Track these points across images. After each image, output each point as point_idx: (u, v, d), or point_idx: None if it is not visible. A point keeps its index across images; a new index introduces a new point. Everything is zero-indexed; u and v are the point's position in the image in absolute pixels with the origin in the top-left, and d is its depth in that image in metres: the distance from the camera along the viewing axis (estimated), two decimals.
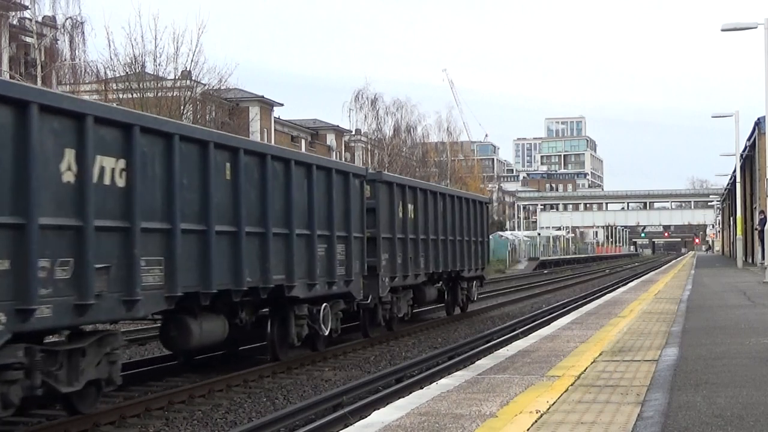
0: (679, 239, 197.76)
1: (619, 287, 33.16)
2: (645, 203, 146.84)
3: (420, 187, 22.25)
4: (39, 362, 9.70)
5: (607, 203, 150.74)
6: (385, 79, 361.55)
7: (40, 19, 45.55)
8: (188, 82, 44.40)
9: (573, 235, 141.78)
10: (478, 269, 27.30)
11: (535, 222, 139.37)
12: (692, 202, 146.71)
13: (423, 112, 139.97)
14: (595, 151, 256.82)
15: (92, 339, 10.67)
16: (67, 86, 43.58)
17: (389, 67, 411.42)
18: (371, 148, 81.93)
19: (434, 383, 9.41)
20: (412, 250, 20.97)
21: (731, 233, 67.94)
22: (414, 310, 23.56)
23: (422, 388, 9.68)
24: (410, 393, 9.89)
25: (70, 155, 9.85)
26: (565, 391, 8.15)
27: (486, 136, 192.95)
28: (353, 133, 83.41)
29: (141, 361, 15.81)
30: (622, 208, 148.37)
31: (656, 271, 50.83)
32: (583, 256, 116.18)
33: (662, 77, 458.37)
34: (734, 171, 55.65)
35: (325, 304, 16.45)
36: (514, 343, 13.73)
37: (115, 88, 43.71)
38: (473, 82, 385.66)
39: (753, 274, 33.83)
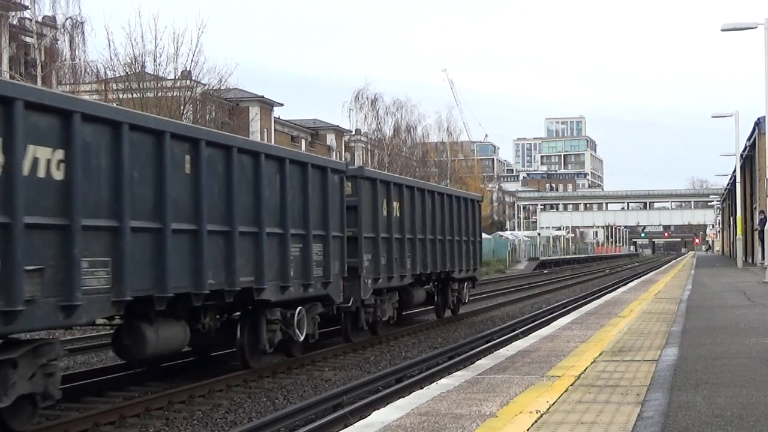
0: (679, 239, 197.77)
1: (619, 287, 33.16)
2: (645, 203, 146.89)
3: (406, 184, 21.32)
4: None
5: (607, 203, 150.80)
6: (385, 79, 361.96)
7: (40, 19, 45.55)
8: (188, 82, 44.39)
9: (573, 235, 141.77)
10: (470, 270, 26.35)
11: (535, 222, 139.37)
12: (692, 202, 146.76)
13: (423, 112, 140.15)
14: (595, 151, 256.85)
15: (25, 349, 9.73)
16: (67, 86, 43.59)
17: (389, 67, 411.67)
18: (371, 148, 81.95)
19: (434, 383, 9.41)
20: (398, 251, 20.01)
21: (731, 233, 67.94)
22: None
23: (422, 388, 9.68)
24: (410, 393, 9.88)
25: None
26: (565, 391, 8.15)
27: (486, 136, 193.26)
28: (353, 133, 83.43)
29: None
30: (622, 208, 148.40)
31: (656, 271, 50.84)
32: (583, 256, 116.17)
33: (662, 77, 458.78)
34: (734, 171, 55.65)
35: (300, 307, 15.51)
36: (514, 343, 13.72)
37: (115, 88, 43.71)
38: (473, 82, 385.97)
39: (753, 274, 33.83)
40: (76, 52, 45.83)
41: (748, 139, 48.85)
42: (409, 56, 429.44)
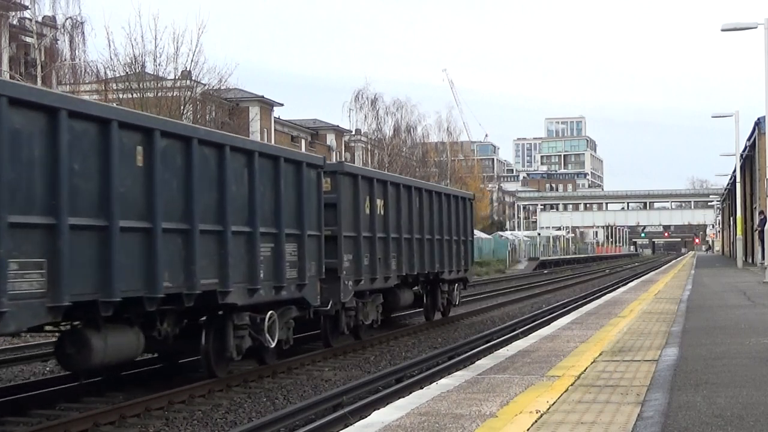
0: (679, 239, 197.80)
1: (619, 287, 33.16)
2: (645, 203, 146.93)
3: (391, 181, 20.30)
4: None
5: (607, 203, 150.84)
6: (385, 79, 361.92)
7: (40, 19, 45.58)
8: (188, 82, 44.41)
9: (573, 235, 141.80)
10: (461, 271, 25.19)
11: (535, 222, 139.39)
12: (692, 202, 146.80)
13: (423, 112, 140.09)
14: (595, 151, 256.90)
15: None
16: (67, 86, 43.61)
17: (389, 67, 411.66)
18: (371, 148, 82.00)
19: (434, 383, 9.41)
20: (382, 250, 19.03)
21: (731, 233, 67.95)
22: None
23: (422, 388, 9.68)
24: (410, 393, 9.88)
25: None
26: (565, 391, 8.15)
27: (486, 136, 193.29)
28: (353, 133, 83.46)
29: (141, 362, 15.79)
30: (622, 208, 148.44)
31: (656, 271, 50.84)
32: (583, 256, 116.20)
33: (662, 77, 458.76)
34: (734, 171, 55.66)
35: (271, 311, 14.47)
36: (514, 343, 13.72)
37: (115, 88, 43.74)
38: (473, 82, 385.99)
39: (753, 274, 33.82)
40: (76, 52, 45.91)
41: (748, 139, 48.86)
42: (409, 56, 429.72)
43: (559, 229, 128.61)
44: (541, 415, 7.06)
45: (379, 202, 19.04)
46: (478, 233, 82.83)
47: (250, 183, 13.71)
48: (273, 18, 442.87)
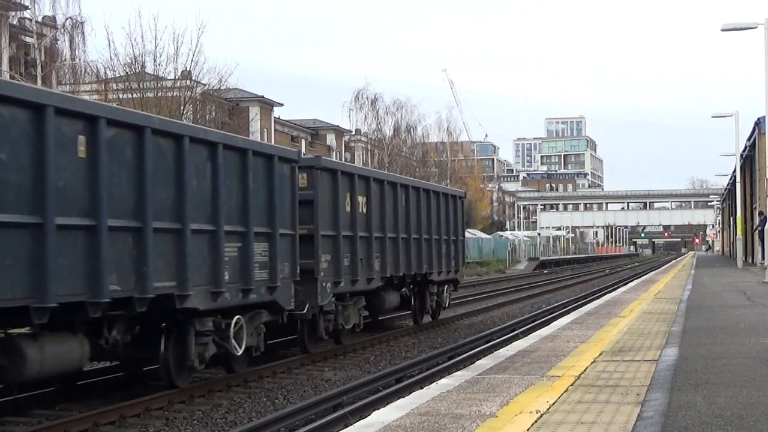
0: (679, 239, 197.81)
1: (619, 287, 33.16)
2: (645, 203, 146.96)
3: (374, 177, 19.12)
4: None
5: (607, 203, 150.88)
6: (385, 79, 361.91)
7: (40, 19, 45.59)
8: (188, 82, 44.43)
9: (573, 235, 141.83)
10: (450, 272, 24.08)
11: (535, 222, 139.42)
12: (692, 202, 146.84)
13: (423, 112, 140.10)
14: (595, 151, 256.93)
15: None
16: (67, 86, 43.62)
17: (389, 67, 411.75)
18: (371, 148, 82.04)
19: (434, 383, 9.41)
20: (364, 250, 18.02)
21: (731, 233, 67.96)
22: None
23: (422, 388, 9.68)
24: (410, 393, 9.89)
25: None
26: (565, 391, 8.15)
27: (486, 136, 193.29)
28: (353, 133, 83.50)
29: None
30: (622, 208, 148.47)
31: (656, 271, 50.84)
32: (583, 256, 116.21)
33: (662, 77, 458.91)
34: (734, 171, 55.66)
35: (238, 316, 13.42)
36: (514, 343, 13.73)
37: (115, 88, 43.77)
38: (473, 82, 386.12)
39: (753, 274, 33.82)
40: (76, 52, 45.94)
41: (748, 139, 48.86)
42: (409, 56, 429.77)
43: (559, 229, 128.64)
44: (541, 415, 7.07)
45: (361, 200, 18.04)
46: (478, 233, 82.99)
47: (214, 177, 12.67)
48: (273, 18, 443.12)
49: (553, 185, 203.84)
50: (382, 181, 19.43)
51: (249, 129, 57.38)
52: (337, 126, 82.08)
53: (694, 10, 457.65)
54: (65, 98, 10.84)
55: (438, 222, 22.84)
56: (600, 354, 10.74)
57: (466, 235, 79.86)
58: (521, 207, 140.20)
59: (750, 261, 48.79)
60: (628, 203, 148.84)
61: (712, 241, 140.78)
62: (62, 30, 45.87)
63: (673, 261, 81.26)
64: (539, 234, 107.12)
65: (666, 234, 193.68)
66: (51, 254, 9.56)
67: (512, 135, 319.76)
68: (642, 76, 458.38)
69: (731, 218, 66.57)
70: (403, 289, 21.57)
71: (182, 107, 43.92)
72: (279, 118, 72.31)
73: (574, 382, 8.66)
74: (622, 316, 16.14)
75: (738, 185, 52.17)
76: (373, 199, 18.52)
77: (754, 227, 44.45)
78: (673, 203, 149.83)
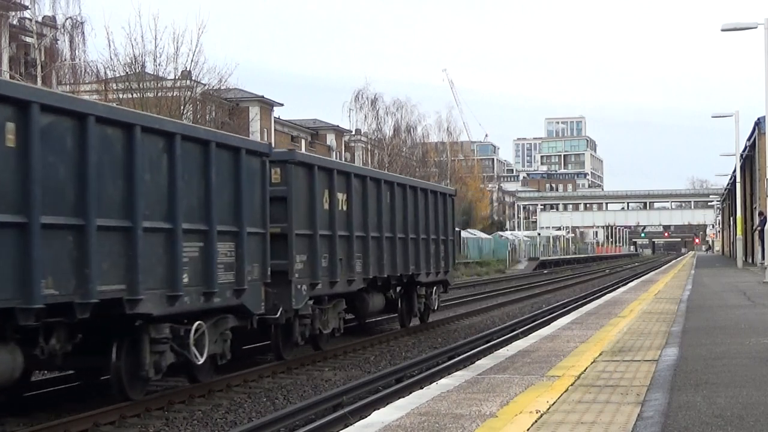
0: (679, 239, 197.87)
1: (619, 287, 33.17)
2: (645, 203, 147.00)
3: (355, 173, 18.09)
4: None
5: (607, 203, 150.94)
6: (385, 79, 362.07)
7: (40, 19, 45.62)
8: (188, 82, 44.46)
9: (573, 235, 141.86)
10: (440, 273, 22.97)
11: (535, 222, 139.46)
12: (692, 202, 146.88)
13: (423, 112, 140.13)
14: (595, 151, 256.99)
15: None
16: (67, 86, 43.64)
17: (389, 67, 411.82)
18: (371, 148, 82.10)
19: (434, 383, 9.42)
20: (344, 250, 17.03)
21: (731, 233, 67.97)
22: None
23: (422, 388, 9.68)
24: (410, 393, 9.89)
25: None
26: (565, 391, 8.15)
27: (486, 136, 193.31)
28: (353, 133, 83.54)
29: None
30: (622, 208, 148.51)
31: (656, 271, 50.85)
32: (583, 256, 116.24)
33: (662, 77, 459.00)
34: (734, 171, 55.68)
35: (199, 322, 12.35)
36: (514, 343, 13.73)
37: (115, 88, 43.81)
38: (473, 82, 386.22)
39: (753, 274, 33.83)
40: (76, 52, 45.99)
41: (748, 139, 48.87)
42: (409, 56, 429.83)
43: (559, 229, 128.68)
44: (541, 415, 7.07)
45: (341, 197, 17.05)
46: (478, 233, 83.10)
47: (171, 171, 11.63)
48: (273, 18, 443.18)
49: (553, 185, 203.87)
50: (364, 177, 18.42)
51: (249, 129, 57.40)
52: (337, 126, 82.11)
53: (694, 10, 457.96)
54: None
55: (426, 220, 21.83)
56: (600, 354, 10.74)
57: (466, 235, 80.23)
58: (521, 207, 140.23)
59: (750, 261, 48.79)
60: (628, 203, 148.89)
61: (712, 241, 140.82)
62: (62, 30, 45.92)
63: (673, 261, 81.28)
64: (539, 234, 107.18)
65: (666, 234, 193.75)
66: None
67: (512, 135, 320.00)
68: (642, 76, 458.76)
69: (731, 218, 66.58)
70: (389, 291, 20.48)
71: (182, 107, 43.96)
72: (279, 118, 72.33)
73: (574, 382, 8.66)
74: (622, 316, 16.14)
75: (738, 185, 52.18)
76: (354, 196, 17.55)
77: (754, 227, 44.46)
78: (673, 203, 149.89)
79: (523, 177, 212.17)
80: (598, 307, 19.06)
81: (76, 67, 46.00)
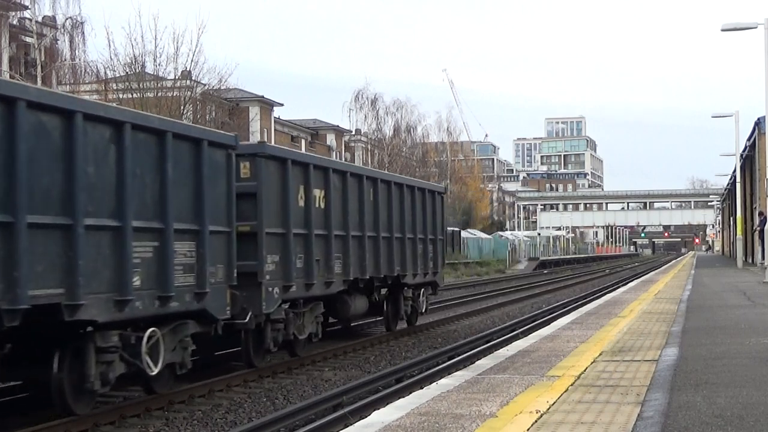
0: (679, 239, 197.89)
1: (619, 287, 33.17)
2: (645, 203, 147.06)
3: (334, 168, 16.95)
4: None
5: (607, 203, 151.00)
6: (385, 79, 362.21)
7: (40, 19, 45.64)
8: (188, 82, 44.48)
9: (573, 235, 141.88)
10: (428, 274, 21.85)
11: (535, 222, 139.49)
12: (692, 202, 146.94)
13: (423, 112, 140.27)
14: (595, 151, 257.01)
15: None
16: (67, 86, 43.65)
17: (389, 67, 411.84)
18: (371, 148, 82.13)
19: (434, 383, 9.42)
20: (321, 251, 16.05)
21: (731, 233, 67.98)
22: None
23: (422, 388, 9.69)
24: (410, 393, 9.89)
25: None
26: (565, 391, 8.15)
27: (486, 136, 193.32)
28: (353, 133, 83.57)
29: None
30: (622, 208, 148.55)
31: (656, 271, 50.85)
32: (583, 256, 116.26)
33: (662, 77, 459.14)
34: (734, 171, 55.69)
35: (153, 329, 11.35)
36: (514, 343, 13.74)
37: (115, 88, 43.83)
38: (473, 82, 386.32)
39: (753, 274, 33.83)
40: (76, 52, 46.04)
41: (748, 139, 48.88)
42: (409, 56, 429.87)
43: (559, 229, 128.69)
44: (541, 415, 7.07)
45: (318, 193, 16.06)
46: (478, 233, 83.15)
47: (120, 163, 10.62)
48: (273, 18, 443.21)
49: (553, 185, 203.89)
50: (344, 173, 17.35)
51: (249, 129, 57.42)
52: (337, 126, 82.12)
53: (694, 10, 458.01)
54: None
55: (413, 219, 20.71)
56: (600, 354, 10.74)
57: (466, 235, 79.87)
58: (521, 207, 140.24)
59: (750, 261, 48.80)
60: (628, 203, 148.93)
61: (712, 241, 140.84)
62: (62, 30, 45.94)
63: (673, 261, 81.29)
64: (539, 234, 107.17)
65: (666, 234, 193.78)
66: None
67: (512, 135, 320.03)
68: (642, 76, 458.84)
69: (731, 218, 66.59)
70: (373, 294, 19.45)
71: (182, 107, 43.97)
72: (279, 118, 72.34)
73: (574, 382, 8.66)
74: (622, 316, 16.14)
75: (738, 185, 52.19)
76: (333, 193, 16.52)
77: (754, 227, 44.47)
78: (673, 203, 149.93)
79: (523, 177, 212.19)
80: (598, 307, 19.06)
81: (76, 67, 46.04)
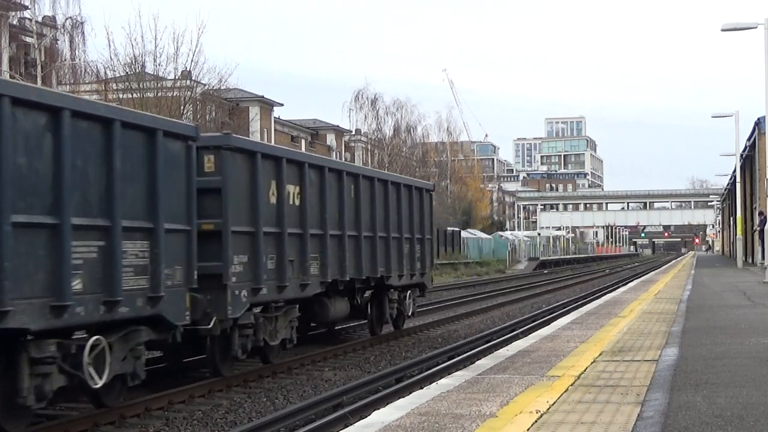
0: (679, 239, 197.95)
1: (619, 287, 33.17)
2: (645, 203, 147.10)
3: (310, 163, 15.85)
4: None
5: (607, 203, 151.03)
6: (385, 79, 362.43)
7: (40, 19, 45.65)
8: (188, 82, 44.49)
9: (573, 235, 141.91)
10: (415, 275, 20.68)
11: (535, 222, 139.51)
12: (692, 202, 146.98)
13: (423, 112, 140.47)
14: (595, 151, 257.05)
15: None
16: (67, 86, 43.66)
17: (389, 67, 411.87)
18: (371, 148, 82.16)
19: (434, 383, 9.42)
20: (296, 250, 15.00)
21: (731, 233, 67.99)
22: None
23: (422, 388, 9.69)
24: (410, 393, 9.90)
25: None
26: (565, 391, 8.15)
27: (486, 136, 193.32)
28: (353, 133, 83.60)
29: None
30: (622, 208, 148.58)
31: (656, 271, 50.85)
32: (583, 256, 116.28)
33: (662, 77, 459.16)
34: (734, 171, 55.70)
35: (97, 337, 10.26)
36: (514, 343, 13.74)
37: (115, 88, 43.84)
38: (473, 82, 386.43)
39: (753, 274, 33.83)
40: (76, 52, 46.05)
41: (748, 139, 48.89)
42: (409, 56, 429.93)
43: (559, 229, 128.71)
44: (541, 415, 7.07)
45: (293, 189, 15.04)
46: (478, 233, 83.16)
47: (57, 154, 9.59)
48: (273, 18, 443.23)
49: (553, 185, 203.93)
50: (322, 168, 16.24)
51: (249, 129, 57.43)
52: (337, 126, 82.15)
53: (694, 10, 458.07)
54: None
55: (398, 218, 19.56)
56: (600, 354, 10.74)
57: (466, 235, 79.84)
58: (521, 207, 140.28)
59: (750, 261, 48.80)
60: (628, 203, 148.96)
61: (712, 241, 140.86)
62: (62, 30, 45.95)
63: (673, 261, 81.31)
64: (539, 234, 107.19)
65: (666, 234, 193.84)
66: None
67: (512, 135, 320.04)
68: (642, 76, 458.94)
69: (731, 218, 66.60)
70: (355, 296, 18.50)
71: (182, 107, 43.98)
72: (279, 118, 72.36)
73: (574, 382, 8.66)
74: (622, 316, 16.14)
75: (738, 185, 52.20)
76: (310, 189, 15.49)
77: (754, 227, 44.47)
78: (673, 203, 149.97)
79: (523, 177, 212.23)
80: (598, 307, 19.06)
81: (76, 67, 46.05)
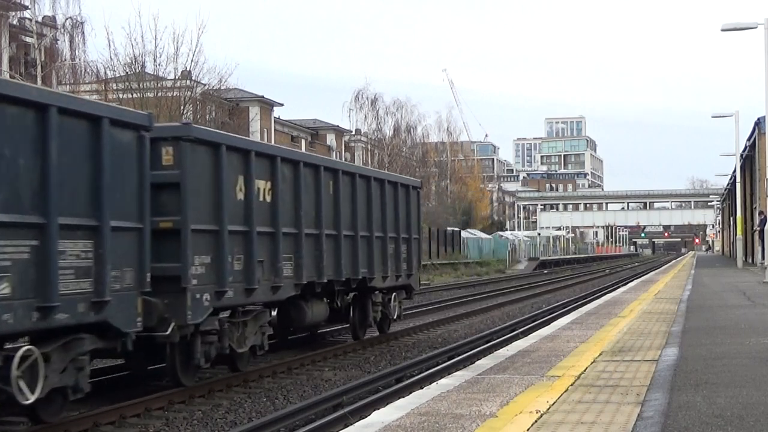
0: (679, 239, 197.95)
1: (619, 287, 33.17)
2: (645, 203, 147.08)
3: (283, 157, 14.72)
4: None
5: (607, 203, 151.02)
6: (385, 79, 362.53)
7: (40, 19, 45.66)
8: (188, 82, 44.51)
9: (573, 235, 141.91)
10: (401, 276, 19.60)
11: (535, 222, 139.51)
12: (692, 202, 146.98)
13: (423, 112, 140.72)
14: (595, 151, 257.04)
15: None
16: (67, 86, 43.67)
17: (389, 67, 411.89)
18: (371, 148, 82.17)
19: (434, 383, 9.42)
20: (266, 251, 13.98)
21: (731, 233, 67.98)
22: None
23: (422, 388, 9.68)
24: (410, 393, 9.89)
25: None
26: (565, 391, 8.15)
27: (486, 136, 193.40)
28: (353, 133, 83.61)
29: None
30: (622, 208, 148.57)
31: (656, 271, 50.85)
32: (583, 256, 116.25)
33: (662, 77, 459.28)
34: (734, 171, 55.69)
35: (28, 347, 9.29)
36: (514, 343, 13.73)
37: (115, 88, 43.86)
38: (473, 82, 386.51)
39: (753, 274, 33.83)
40: (76, 52, 46.09)
41: (748, 139, 48.88)
42: (409, 56, 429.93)
43: (559, 229, 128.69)
44: (541, 415, 7.07)
45: (263, 185, 14.03)
46: (478, 233, 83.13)
47: None
48: (273, 18, 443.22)
49: (553, 185, 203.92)
50: (297, 163, 15.15)
51: (249, 129, 57.43)
52: (337, 126, 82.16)
53: (694, 10, 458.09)
54: None
55: (382, 216, 18.55)
56: (600, 354, 10.74)
57: (466, 235, 79.78)
58: (521, 207, 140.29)
59: (750, 261, 48.80)
60: (628, 203, 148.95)
61: (712, 241, 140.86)
62: (62, 30, 45.98)
63: (673, 261, 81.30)
64: (539, 234, 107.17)
65: (666, 234, 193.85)
66: None
67: (512, 135, 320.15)
68: (642, 76, 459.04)
69: (731, 218, 66.59)
70: (336, 299, 17.63)
71: (182, 107, 43.99)
72: (279, 118, 72.37)
73: (574, 382, 8.66)
74: (622, 316, 16.14)
75: (738, 185, 52.20)
76: (282, 185, 14.46)
77: (754, 227, 44.48)
78: (673, 203, 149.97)
79: (523, 177, 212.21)
80: (598, 307, 19.06)
81: (76, 67, 46.07)
